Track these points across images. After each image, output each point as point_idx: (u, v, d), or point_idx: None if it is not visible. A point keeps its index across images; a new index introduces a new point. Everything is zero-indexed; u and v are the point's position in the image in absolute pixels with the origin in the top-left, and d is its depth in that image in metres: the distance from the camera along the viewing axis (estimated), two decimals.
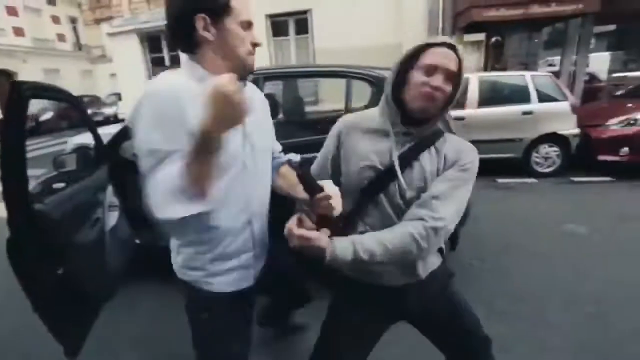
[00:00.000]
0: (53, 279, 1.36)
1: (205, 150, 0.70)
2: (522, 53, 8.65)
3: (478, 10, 6.33)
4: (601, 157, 4.62)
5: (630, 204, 3.76)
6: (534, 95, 4.68)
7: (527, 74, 4.79)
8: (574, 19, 7.16)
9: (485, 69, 7.83)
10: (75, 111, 2.00)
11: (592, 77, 8.71)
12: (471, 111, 4.73)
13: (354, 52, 8.10)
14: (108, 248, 1.84)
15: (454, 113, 4.73)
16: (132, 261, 2.16)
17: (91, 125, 2.09)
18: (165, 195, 0.73)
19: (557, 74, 7.63)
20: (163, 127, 0.76)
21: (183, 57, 0.90)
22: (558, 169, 4.79)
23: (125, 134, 2.39)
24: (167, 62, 8.60)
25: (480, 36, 7.47)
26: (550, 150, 4.79)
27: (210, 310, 1.02)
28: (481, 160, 0.95)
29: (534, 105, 4.67)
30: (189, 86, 0.82)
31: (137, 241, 2.36)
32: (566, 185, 4.48)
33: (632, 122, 4.54)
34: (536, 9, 6.28)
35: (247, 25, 0.88)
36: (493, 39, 10.01)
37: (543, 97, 4.69)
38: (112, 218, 1.95)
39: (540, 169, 4.86)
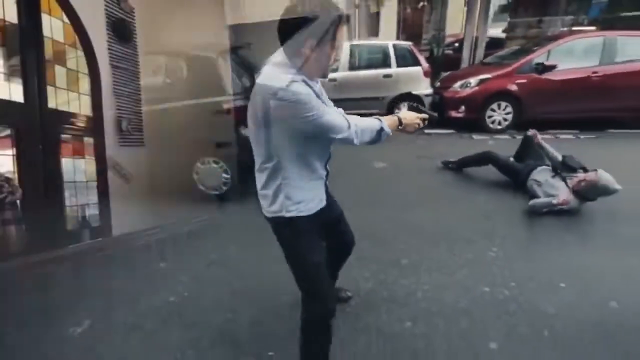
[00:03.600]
0: None
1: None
2: None
3: None
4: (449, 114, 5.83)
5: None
6: (393, 61, 5.82)
7: (390, 43, 5.88)
8: None
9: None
10: None
11: None
12: (343, 74, 5.87)
13: None
14: None
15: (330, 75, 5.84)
16: None
17: None
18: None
19: None
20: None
21: (282, 54, 1.13)
22: None
23: None
24: None
25: None
26: None
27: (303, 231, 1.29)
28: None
29: (393, 70, 5.82)
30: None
31: None
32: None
33: (467, 85, 5.73)
34: None
35: (336, 47, 1.14)
36: None
37: (401, 63, 5.83)
38: None
39: None
